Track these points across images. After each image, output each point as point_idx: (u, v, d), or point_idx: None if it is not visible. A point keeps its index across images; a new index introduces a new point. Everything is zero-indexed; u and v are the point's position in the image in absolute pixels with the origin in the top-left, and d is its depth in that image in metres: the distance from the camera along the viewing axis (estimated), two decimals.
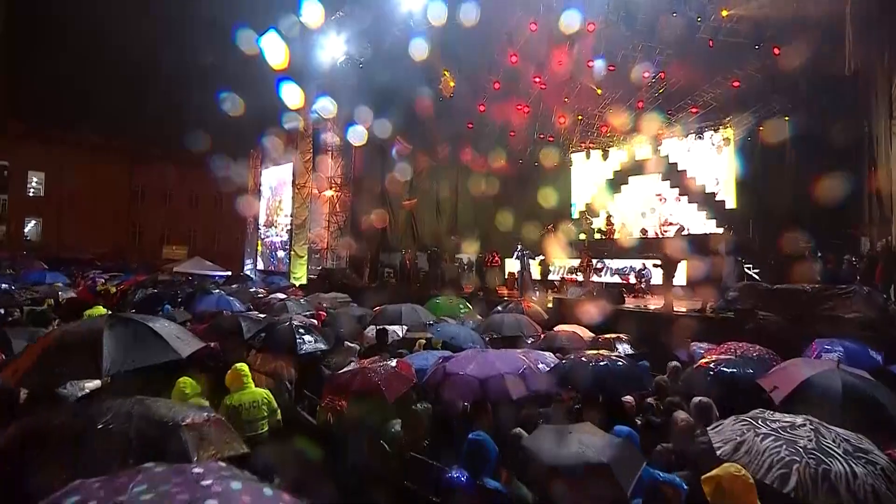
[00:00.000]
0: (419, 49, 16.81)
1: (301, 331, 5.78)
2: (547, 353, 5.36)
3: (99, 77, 30.57)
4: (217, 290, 9.84)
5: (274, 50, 17.98)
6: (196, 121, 25.32)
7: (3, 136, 28.97)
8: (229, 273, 22.99)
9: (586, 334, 8.20)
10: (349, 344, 7.11)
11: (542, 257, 15.75)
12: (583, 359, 4.48)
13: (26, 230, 31.56)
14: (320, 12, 17.34)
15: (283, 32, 18.44)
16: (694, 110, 17.34)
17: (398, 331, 7.71)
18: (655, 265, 12.02)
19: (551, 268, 17.92)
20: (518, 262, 15.39)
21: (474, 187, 22.15)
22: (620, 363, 4.48)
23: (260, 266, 24.03)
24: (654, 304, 12.73)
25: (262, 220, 24.23)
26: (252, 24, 19.51)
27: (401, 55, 17.33)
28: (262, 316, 7.12)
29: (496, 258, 16.86)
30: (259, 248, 24.37)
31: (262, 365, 5.39)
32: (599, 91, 17.47)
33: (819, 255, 10.46)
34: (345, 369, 4.60)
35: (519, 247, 15.20)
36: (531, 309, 8.70)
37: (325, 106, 18.78)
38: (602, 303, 10.81)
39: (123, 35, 28.53)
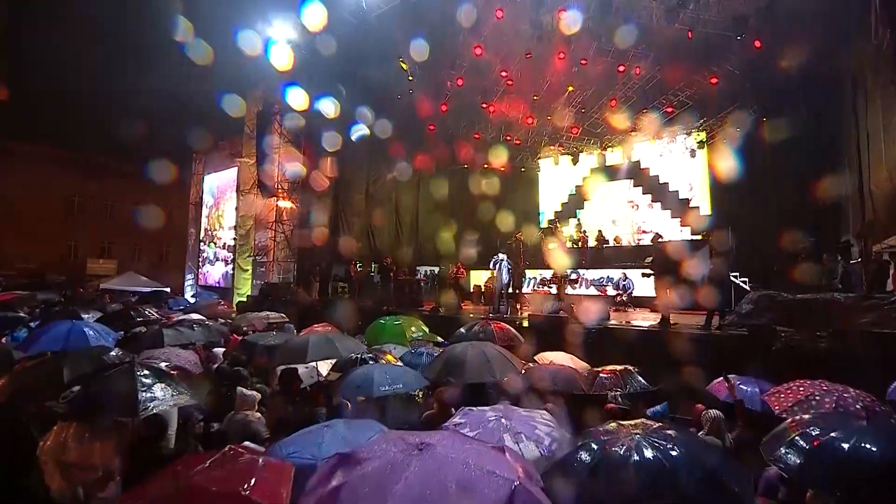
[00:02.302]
0: (376, 39, 14.85)
1: (147, 379, 3.41)
2: (538, 417, 3.19)
3: (31, 83, 27.23)
4: (89, 316, 7.26)
5: (279, 52, 15.55)
6: (138, 129, 22.56)
7: None
8: (167, 289, 20.09)
9: (579, 364, 6.12)
10: (245, 391, 4.79)
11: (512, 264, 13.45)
12: (616, 451, 2.31)
13: None
14: (322, 14, 14.87)
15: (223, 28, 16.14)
16: (669, 109, 15.81)
17: (322, 368, 5.42)
18: (645, 274, 10.13)
19: (522, 280, 15.94)
20: (497, 272, 12.94)
21: (436, 195, 20.12)
22: (677, 452, 2.31)
23: (204, 280, 21.12)
24: (640, 318, 10.84)
25: (202, 233, 21.37)
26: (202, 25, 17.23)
27: (355, 45, 15.24)
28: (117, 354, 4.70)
29: (461, 270, 14.71)
30: (199, 262, 21.47)
31: (53, 449, 3.01)
32: (571, 88, 15.76)
33: (838, 257, 8.72)
34: (165, 470, 2.32)
35: (499, 255, 12.61)
36: (504, 332, 6.53)
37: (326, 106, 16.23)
38: (586, 321, 8.84)
39: (59, 39, 25.47)
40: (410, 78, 15.80)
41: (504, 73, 15.44)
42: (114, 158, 25.43)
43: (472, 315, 11.92)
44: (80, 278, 23.56)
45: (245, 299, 16.02)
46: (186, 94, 19.11)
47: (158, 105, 19.91)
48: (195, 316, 8.78)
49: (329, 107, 16.28)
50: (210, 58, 16.82)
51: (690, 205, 17.77)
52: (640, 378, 5.45)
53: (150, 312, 8.16)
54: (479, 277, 16.97)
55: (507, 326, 6.80)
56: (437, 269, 17.79)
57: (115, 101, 23.00)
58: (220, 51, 16.80)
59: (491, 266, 12.32)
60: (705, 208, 17.44)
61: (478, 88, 16.56)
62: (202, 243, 21.32)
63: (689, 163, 17.64)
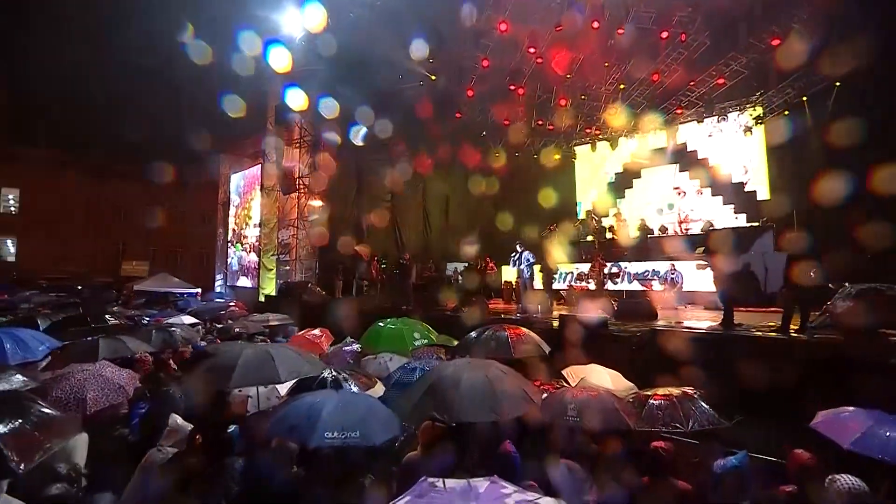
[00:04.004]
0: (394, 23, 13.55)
1: None
2: None
3: (67, 94, 27.99)
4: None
5: (278, 55, 14.74)
6: (172, 134, 22.51)
7: None
8: (198, 290, 19.60)
9: (621, 383, 4.56)
10: (178, 421, 3.56)
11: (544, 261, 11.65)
12: None
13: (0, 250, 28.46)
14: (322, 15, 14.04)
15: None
16: (720, 81, 13.69)
17: (283, 387, 4.13)
18: (700, 265, 8.33)
19: (556, 275, 14.27)
20: (516, 267, 11.45)
21: (464, 187, 18.66)
22: None
23: (233, 280, 20.56)
24: (693, 318, 9.02)
25: (229, 233, 20.83)
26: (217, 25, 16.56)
27: (371, 32, 13.99)
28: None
29: (490, 264, 13.20)
30: (227, 261, 20.95)
31: None
32: (607, 64, 13.94)
33: None
34: None
35: (519, 248, 10.99)
36: (521, 339, 5.00)
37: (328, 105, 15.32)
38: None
39: (90, 53, 25.95)
40: (431, 61, 14.42)
41: (532, 50, 13.80)
42: (151, 164, 25.53)
43: (503, 315, 10.46)
44: (119, 280, 23.69)
45: (263, 299, 15.17)
46: (210, 93, 18.59)
47: (184, 106, 19.54)
48: (187, 319, 7.77)
49: (347, 102, 15.15)
50: (228, 55, 16.06)
51: (746, 189, 15.51)
52: (705, 406, 3.84)
53: (110, 318, 7.15)
54: (511, 273, 15.44)
55: (527, 332, 5.27)
56: (465, 266, 16.35)
57: (143, 106, 22.99)
58: (237, 47, 16.04)
59: (511, 262, 10.76)
60: (763, 192, 15.15)
61: (505, 70, 14.98)
62: (229, 244, 20.81)
63: (744, 142, 15.39)
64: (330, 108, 15.29)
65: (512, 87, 15.32)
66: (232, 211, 20.92)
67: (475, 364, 3.45)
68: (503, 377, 3.30)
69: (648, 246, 13.68)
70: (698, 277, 10.97)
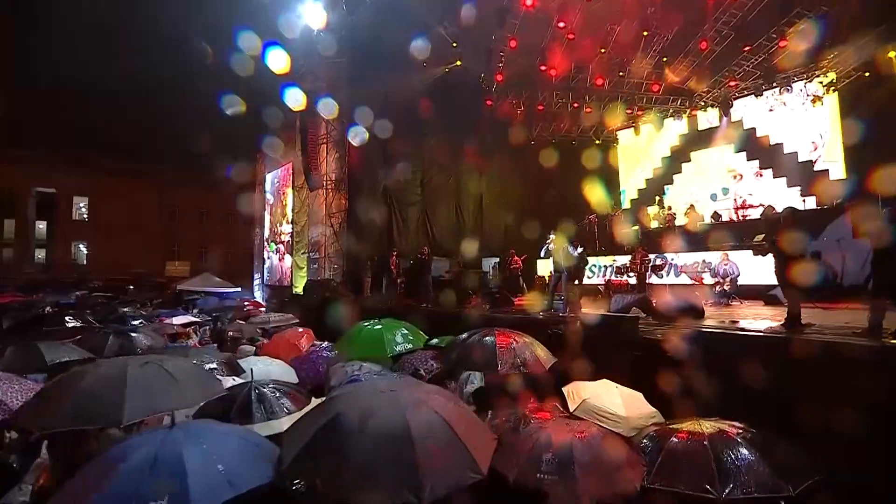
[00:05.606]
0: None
1: None
2: None
3: (128, 107, 29.49)
4: None
5: (277, 57, 14.47)
6: (210, 137, 22.94)
7: (45, 164, 27.82)
8: (238, 289, 19.59)
9: (636, 410, 3.31)
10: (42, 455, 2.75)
11: (580, 250, 10.02)
12: None
13: (74, 254, 30.29)
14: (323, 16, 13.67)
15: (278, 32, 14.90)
16: (782, 44, 11.68)
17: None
18: (758, 251, 6.75)
19: (593, 268, 12.85)
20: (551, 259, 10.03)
21: (498, 180, 17.42)
22: None
23: (269, 279, 20.49)
24: (751, 317, 7.40)
25: (266, 232, 20.78)
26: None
27: (387, 20, 13.10)
28: None
29: (514, 259, 11.97)
30: (264, 261, 20.91)
31: None
32: (646, 33, 12.29)
33: None
34: None
35: (552, 237, 9.54)
36: (512, 349, 3.73)
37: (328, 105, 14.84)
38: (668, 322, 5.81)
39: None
40: (455, 45, 13.31)
41: (562, 25, 12.39)
42: (195, 169, 26.35)
43: (531, 312, 9.23)
44: (161, 282, 24.44)
45: (288, 298, 14.72)
46: (245, 91, 18.54)
47: (223, 109, 19.56)
48: (179, 320, 7.19)
49: (371, 97, 14.37)
50: (257, 51, 15.70)
51: (815, 169, 13.29)
52: (749, 454, 2.50)
53: (69, 319, 6.55)
54: (545, 267, 14.12)
55: (521, 339, 4.06)
56: (497, 261, 15.16)
57: (183, 112, 23.51)
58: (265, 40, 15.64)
59: (542, 254, 9.46)
60: (837, 171, 12.88)
61: (534, 49, 13.62)
62: (265, 243, 20.81)
63: (812, 115, 13.20)
64: (356, 102, 14.61)
65: (543, 69, 13.93)
66: (267, 209, 20.89)
67: (400, 398, 2.19)
68: (439, 427, 2.04)
69: (698, 235, 11.93)
70: (756, 269, 9.25)
